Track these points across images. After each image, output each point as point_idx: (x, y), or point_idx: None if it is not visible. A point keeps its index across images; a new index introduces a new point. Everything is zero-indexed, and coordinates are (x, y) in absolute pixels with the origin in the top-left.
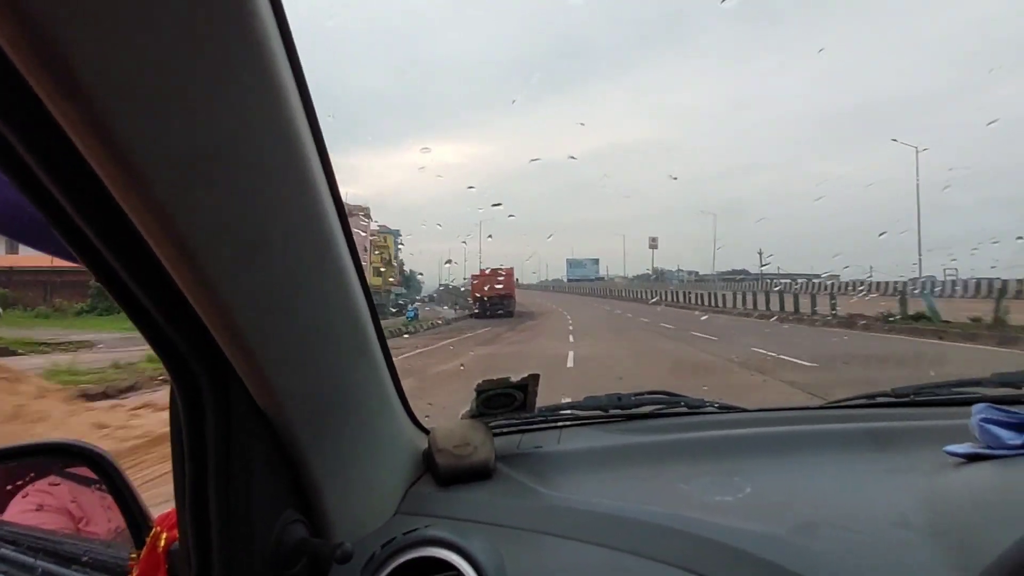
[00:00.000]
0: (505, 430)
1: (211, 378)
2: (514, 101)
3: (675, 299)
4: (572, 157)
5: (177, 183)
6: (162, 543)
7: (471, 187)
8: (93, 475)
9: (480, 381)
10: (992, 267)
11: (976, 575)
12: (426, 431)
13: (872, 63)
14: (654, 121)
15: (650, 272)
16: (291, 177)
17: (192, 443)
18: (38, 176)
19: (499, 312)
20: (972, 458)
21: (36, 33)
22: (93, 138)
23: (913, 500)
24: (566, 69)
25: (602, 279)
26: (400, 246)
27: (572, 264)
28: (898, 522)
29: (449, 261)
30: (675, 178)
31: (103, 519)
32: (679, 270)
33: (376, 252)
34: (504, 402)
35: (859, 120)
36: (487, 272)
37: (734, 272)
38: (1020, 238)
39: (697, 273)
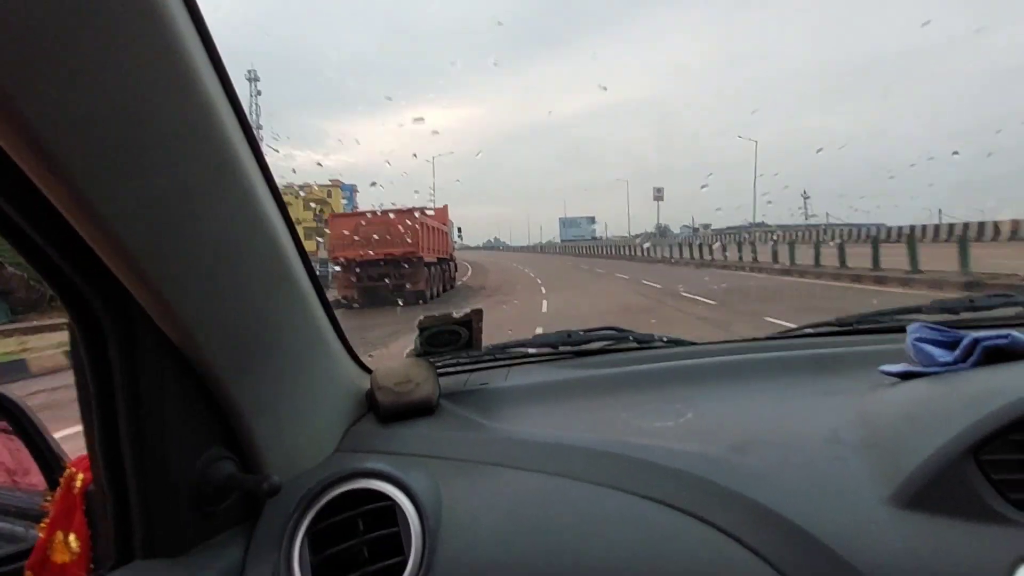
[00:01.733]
0: (452, 369)
1: (110, 308)
2: (495, 63)
3: (677, 256)
4: (550, 112)
5: (22, 72)
6: (78, 484)
7: (452, 152)
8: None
9: (421, 317)
10: (930, 184)
11: (900, 482)
12: (369, 371)
13: (868, 14)
14: (647, 78)
15: (654, 231)
16: (169, 76)
17: (97, 381)
18: None
19: (394, 294)
20: (906, 376)
21: None
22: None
23: (846, 417)
24: (555, 25)
25: (599, 239)
26: (346, 203)
27: (566, 224)
28: (830, 438)
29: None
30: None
31: (20, 464)
32: (691, 227)
33: (314, 207)
34: (449, 339)
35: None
36: (368, 216)
37: (753, 224)
38: (955, 153)
39: (710, 226)
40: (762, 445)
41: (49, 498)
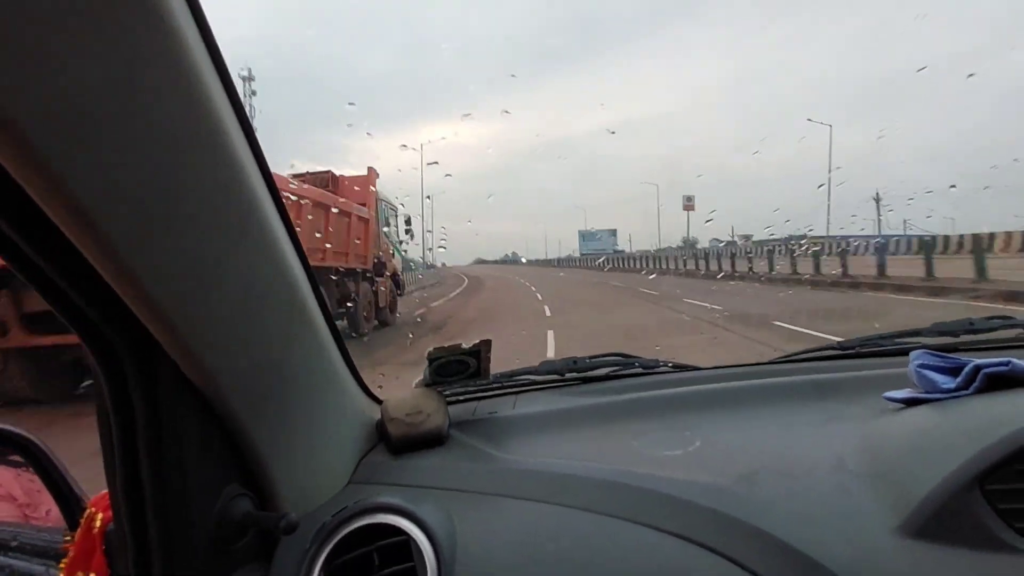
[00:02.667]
0: (461, 398)
1: (133, 352)
2: (513, 75)
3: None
4: (565, 132)
5: (68, 148)
6: (97, 524)
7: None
8: (21, 459)
9: (431, 348)
10: (928, 216)
11: (908, 512)
12: (379, 401)
13: (891, 31)
14: (666, 95)
15: (680, 243)
16: (201, 141)
17: (120, 421)
18: None
19: None
20: (910, 403)
21: None
22: None
23: (852, 445)
24: (574, 44)
25: (622, 252)
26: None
27: (585, 236)
28: (836, 466)
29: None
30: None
31: (40, 503)
32: (721, 240)
33: None
34: (458, 369)
35: (876, 88)
36: None
37: (794, 237)
38: (953, 187)
39: (751, 237)
40: (770, 474)
41: (69, 537)
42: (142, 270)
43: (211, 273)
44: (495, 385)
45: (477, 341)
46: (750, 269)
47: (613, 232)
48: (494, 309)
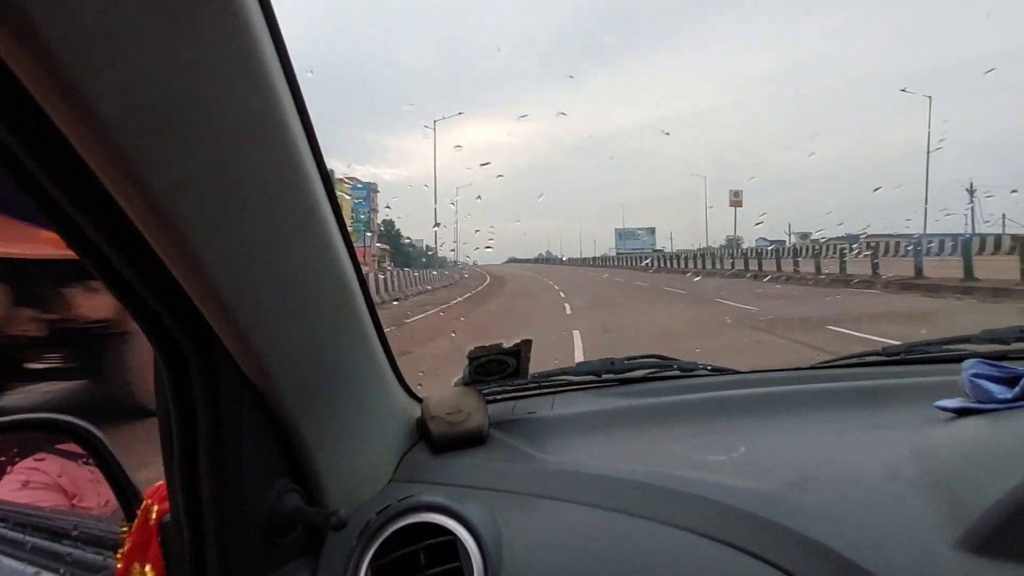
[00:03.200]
0: (499, 397)
1: (197, 348)
2: (572, 76)
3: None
4: (598, 132)
5: (146, 140)
6: (153, 516)
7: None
8: (81, 450)
9: (472, 348)
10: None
11: (969, 525)
12: (419, 400)
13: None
14: (707, 90)
15: (724, 243)
16: (268, 138)
17: (180, 415)
18: (1, 137)
19: None
20: (962, 412)
21: None
22: (52, 91)
23: (903, 454)
24: (613, 40)
25: (662, 251)
26: (360, 203)
27: (622, 235)
28: (888, 475)
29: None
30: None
31: (94, 494)
32: (773, 240)
33: None
34: (497, 368)
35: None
36: None
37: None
38: (1014, 191)
39: (809, 235)
40: (819, 482)
41: (126, 528)
42: (209, 262)
43: (272, 267)
44: (533, 385)
45: (518, 340)
46: (818, 270)
47: (651, 231)
48: (509, 312)
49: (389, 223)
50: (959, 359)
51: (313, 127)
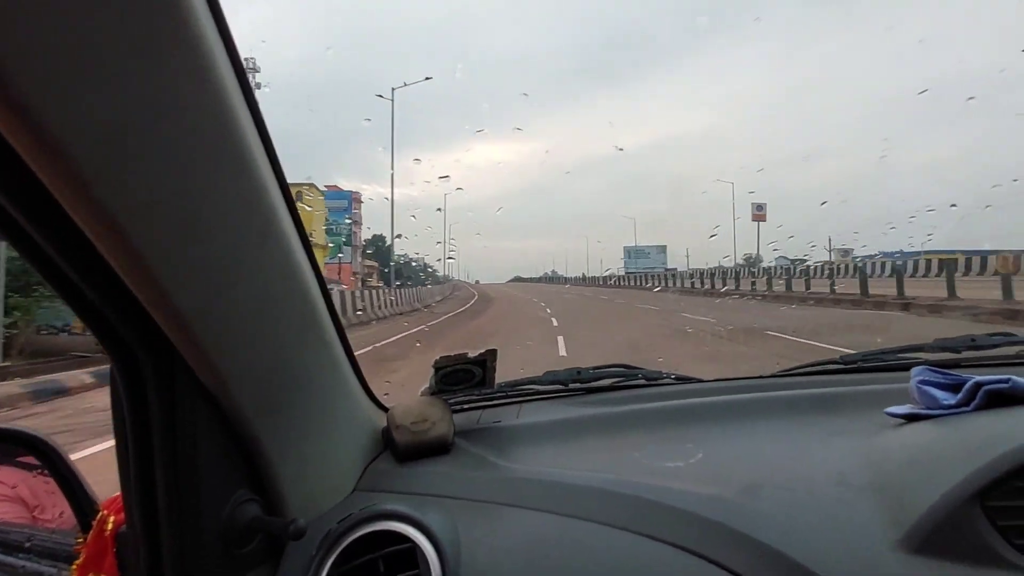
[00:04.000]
0: (465, 406)
1: (152, 358)
2: (526, 94)
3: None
4: (620, 148)
5: (99, 157)
6: (109, 527)
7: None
8: (36, 462)
9: (438, 357)
10: (928, 236)
11: (907, 527)
12: (385, 409)
13: (944, 40)
14: (708, 110)
15: (742, 261)
16: (225, 151)
17: (136, 425)
18: None
19: None
20: (910, 418)
21: None
22: (4, 108)
23: (853, 459)
24: (616, 61)
25: (674, 270)
26: (338, 213)
27: (632, 253)
28: (838, 480)
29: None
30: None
31: (53, 505)
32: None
33: None
34: (463, 378)
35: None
36: None
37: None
38: (954, 206)
39: (851, 252)
40: (772, 487)
41: (81, 540)
42: (165, 276)
43: (231, 280)
44: (499, 394)
45: (483, 350)
46: (864, 291)
47: (662, 248)
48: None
49: (380, 238)
50: (911, 367)
51: (272, 142)
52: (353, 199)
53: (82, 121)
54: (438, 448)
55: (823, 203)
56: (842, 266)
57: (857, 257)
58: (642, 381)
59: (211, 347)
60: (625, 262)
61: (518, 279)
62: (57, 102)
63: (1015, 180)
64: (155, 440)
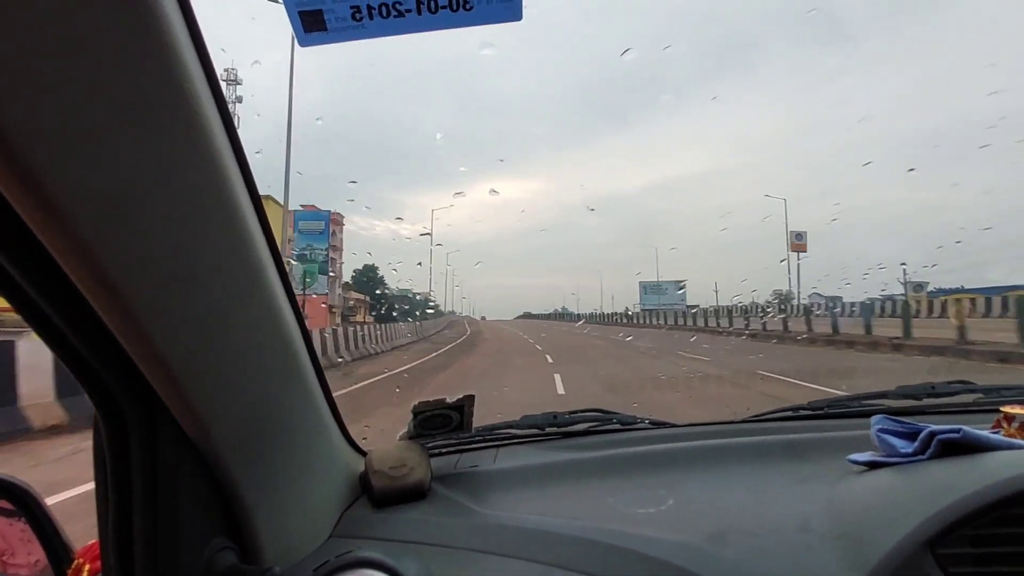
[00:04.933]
0: (443, 451)
1: (136, 407)
2: (539, 134)
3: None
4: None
5: (99, 221)
6: (84, 575)
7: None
8: (11, 507)
9: (416, 403)
10: (882, 290)
11: (865, 574)
12: (363, 453)
13: (957, 81)
14: (719, 150)
15: (772, 298)
16: (215, 207)
17: (116, 472)
18: None
19: None
20: (872, 465)
21: None
22: (5, 169)
23: (817, 506)
24: (626, 103)
25: (696, 307)
26: (314, 236)
27: (648, 289)
28: (801, 527)
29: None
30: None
31: (25, 552)
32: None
33: None
34: (441, 423)
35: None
36: None
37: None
38: (903, 264)
39: (924, 288)
40: (738, 534)
41: None
42: (155, 330)
43: (217, 331)
44: (477, 438)
45: (461, 396)
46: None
47: (680, 284)
48: None
49: (371, 268)
50: (874, 413)
51: (259, 195)
52: (332, 220)
53: (84, 189)
54: (415, 494)
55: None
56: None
57: (934, 290)
58: (617, 426)
59: (195, 396)
60: (641, 298)
61: (527, 315)
62: (62, 173)
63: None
64: (135, 487)
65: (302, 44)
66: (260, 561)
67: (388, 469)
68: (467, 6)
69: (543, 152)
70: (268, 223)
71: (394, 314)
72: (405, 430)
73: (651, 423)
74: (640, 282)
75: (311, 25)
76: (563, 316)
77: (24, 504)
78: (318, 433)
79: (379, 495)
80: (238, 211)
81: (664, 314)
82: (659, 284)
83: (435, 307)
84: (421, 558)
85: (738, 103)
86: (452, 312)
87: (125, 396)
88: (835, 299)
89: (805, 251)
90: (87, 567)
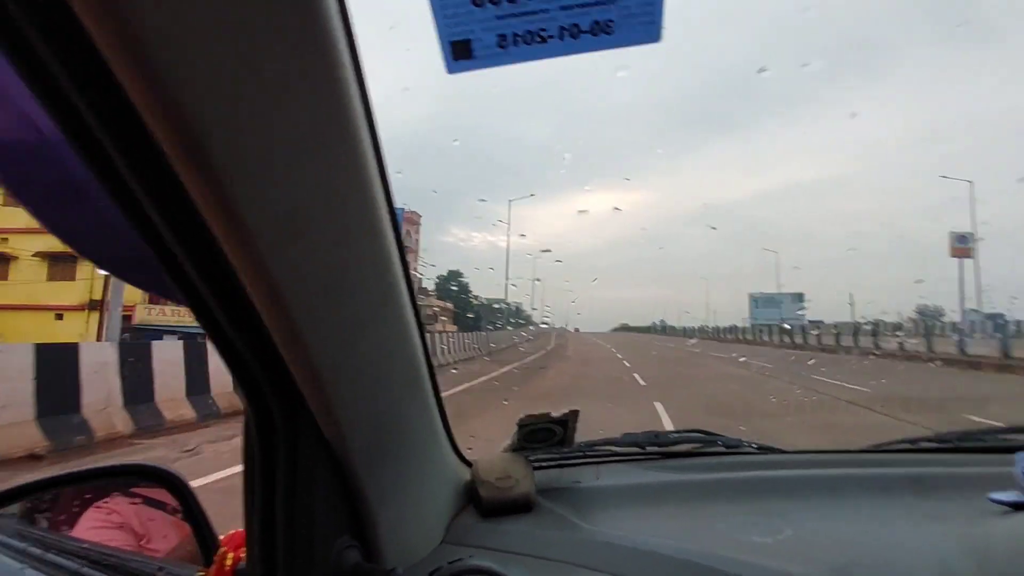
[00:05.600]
0: (544, 464)
1: (283, 409)
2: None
3: None
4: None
5: (273, 236)
6: (228, 562)
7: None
8: (155, 496)
9: (523, 415)
10: None
11: None
12: (468, 463)
13: None
14: (834, 157)
15: (916, 314)
16: (364, 224)
17: (263, 469)
18: (152, 220)
19: None
20: (1017, 506)
21: (181, 119)
22: (214, 202)
23: (956, 547)
24: (739, 110)
25: (820, 323)
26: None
27: (759, 302)
28: (940, 570)
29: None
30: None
31: (160, 537)
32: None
33: None
34: (544, 436)
35: None
36: None
37: None
38: None
39: None
40: (864, 569)
41: (202, 573)
42: (308, 337)
43: (357, 339)
44: (578, 454)
45: (566, 411)
46: None
47: (798, 297)
48: None
49: (456, 273)
50: (1015, 449)
51: (396, 210)
52: (406, 219)
53: (267, 211)
54: (521, 506)
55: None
56: None
57: None
58: (722, 449)
59: (335, 400)
60: (752, 311)
61: (625, 328)
62: (252, 197)
63: None
64: (278, 482)
65: (450, 71)
66: (380, 561)
67: (495, 480)
68: (607, 30)
69: (646, 162)
70: (401, 237)
71: (482, 323)
72: (508, 442)
73: (758, 448)
74: (750, 294)
75: (459, 54)
76: (663, 330)
77: (178, 492)
78: (433, 441)
79: (487, 505)
80: (382, 226)
81: (779, 330)
82: (773, 296)
83: (526, 317)
84: (528, 569)
85: (868, 104)
86: (547, 324)
87: (275, 398)
88: (995, 316)
89: (969, 256)
90: (230, 555)
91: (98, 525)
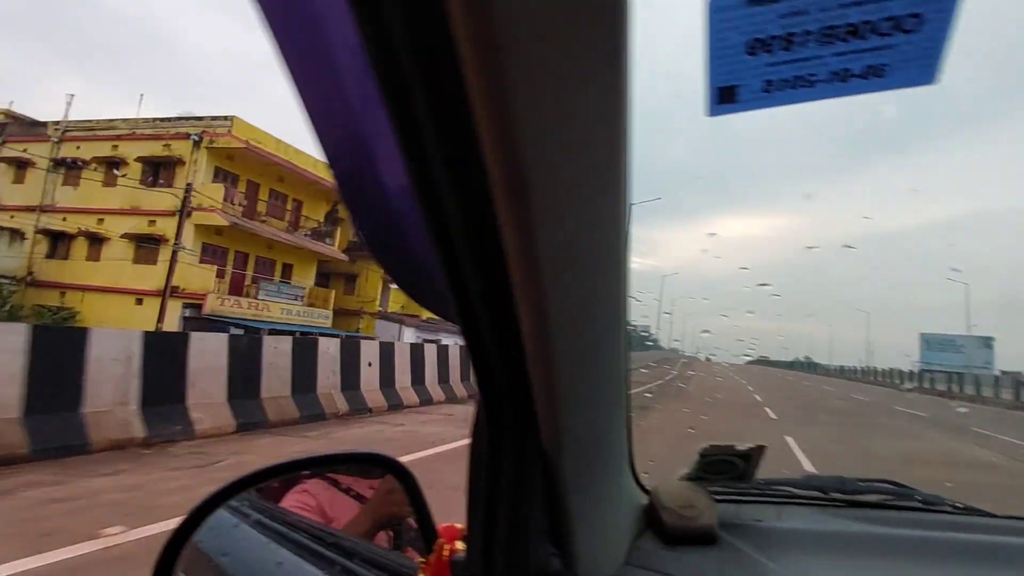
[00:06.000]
0: (722, 497)
1: (515, 410)
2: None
3: None
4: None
5: (553, 262)
6: (446, 552)
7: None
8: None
9: (706, 445)
10: None
11: None
12: (643, 487)
13: None
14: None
15: None
16: (613, 250)
17: (490, 469)
18: (458, 253)
19: None
20: None
21: (516, 163)
22: (524, 237)
23: None
24: (905, 132)
25: (1018, 374)
26: None
27: (932, 344)
28: None
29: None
30: None
31: (348, 520)
32: None
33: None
34: (724, 468)
35: None
36: None
37: None
38: None
39: None
40: None
41: (423, 561)
42: (555, 353)
43: (591, 358)
44: (756, 491)
45: (752, 445)
46: None
47: (987, 341)
48: None
49: None
50: None
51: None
52: None
53: (554, 237)
54: (704, 537)
55: None
56: None
57: None
58: (918, 504)
59: (561, 411)
60: (923, 354)
61: (764, 361)
62: (546, 223)
63: None
64: (502, 484)
65: (711, 115)
66: (574, 573)
67: (678, 507)
68: (879, 73)
69: (794, 187)
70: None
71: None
72: (687, 470)
73: (961, 508)
74: (922, 334)
75: (724, 98)
76: (809, 367)
77: (406, 482)
78: (622, 461)
79: (671, 532)
80: (622, 254)
81: (957, 379)
82: (950, 339)
83: (654, 341)
84: None
85: None
86: (676, 350)
87: (508, 404)
88: None
89: None
90: (447, 546)
91: (339, 505)
